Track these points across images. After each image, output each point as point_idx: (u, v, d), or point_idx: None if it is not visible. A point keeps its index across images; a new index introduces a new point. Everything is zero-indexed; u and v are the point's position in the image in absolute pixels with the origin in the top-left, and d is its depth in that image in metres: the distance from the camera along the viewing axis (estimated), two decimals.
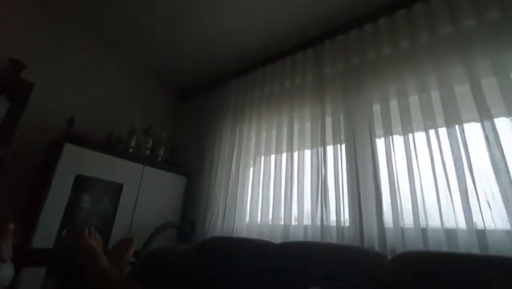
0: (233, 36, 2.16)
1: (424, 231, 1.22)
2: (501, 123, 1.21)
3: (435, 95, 1.39)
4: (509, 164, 1.13)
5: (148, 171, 2.09)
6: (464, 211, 1.15)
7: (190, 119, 2.77)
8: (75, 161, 1.70)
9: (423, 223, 1.24)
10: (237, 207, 1.93)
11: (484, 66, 1.29)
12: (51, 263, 1.51)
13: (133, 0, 1.94)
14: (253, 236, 1.75)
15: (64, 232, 1.60)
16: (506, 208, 1.09)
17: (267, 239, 1.65)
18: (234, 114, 2.29)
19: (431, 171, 1.28)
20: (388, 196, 1.36)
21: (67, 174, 1.65)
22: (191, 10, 1.98)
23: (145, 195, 2.03)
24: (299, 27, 2.00)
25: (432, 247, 1.18)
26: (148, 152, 2.20)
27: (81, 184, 1.72)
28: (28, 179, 1.77)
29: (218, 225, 1.97)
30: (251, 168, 2.02)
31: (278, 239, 1.61)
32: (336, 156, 1.60)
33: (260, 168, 1.94)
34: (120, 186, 1.91)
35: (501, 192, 1.11)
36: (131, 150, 2.09)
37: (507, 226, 1.08)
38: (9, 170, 1.61)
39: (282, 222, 1.67)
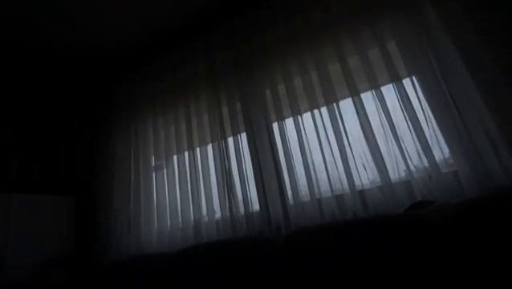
0: (109, 25, 1.87)
1: (319, 202, 1.33)
2: (366, 96, 1.40)
3: (314, 76, 1.50)
4: (374, 129, 1.31)
5: (18, 199, 1.66)
6: (346, 176, 1.30)
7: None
8: None
9: (318, 194, 1.34)
10: (144, 216, 1.74)
11: (347, 46, 1.45)
12: None
13: None
14: (165, 243, 1.63)
15: None
16: (376, 167, 1.27)
17: (179, 244, 1.57)
18: (126, 114, 2.03)
19: (318, 145, 1.38)
20: (287, 175, 1.43)
21: None
22: None
23: (18, 230, 1.61)
24: (185, 14, 1.86)
25: (327, 215, 1.29)
26: (14, 175, 1.75)
27: None
28: None
29: (123, 241, 1.73)
30: (153, 173, 1.83)
31: (190, 240, 1.54)
32: (237, 146, 1.60)
33: (163, 169, 1.79)
34: None
35: (371, 154, 1.29)
36: None
37: (379, 183, 1.26)
38: None
39: (193, 223, 1.58)
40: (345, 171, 1.31)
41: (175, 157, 1.77)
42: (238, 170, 1.54)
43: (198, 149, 1.70)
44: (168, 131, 1.84)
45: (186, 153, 1.72)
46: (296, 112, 1.49)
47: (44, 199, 1.79)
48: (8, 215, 1.59)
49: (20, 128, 2.10)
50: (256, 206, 1.49)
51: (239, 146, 1.59)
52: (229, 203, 1.50)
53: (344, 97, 1.45)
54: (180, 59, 1.92)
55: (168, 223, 1.67)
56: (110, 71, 2.21)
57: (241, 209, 1.48)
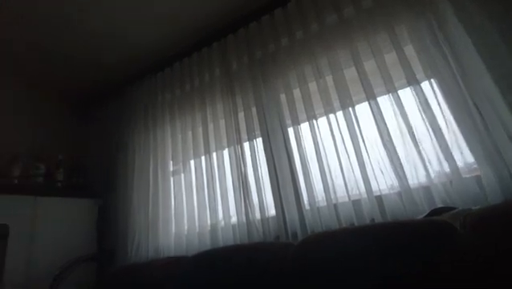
0: (129, 35, 1.95)
1: (335, 207, 1.32)
2: (383, 100, 1.38)
3: (329, 80, 1.50)
4: (391, 133, 1.29)
5: (44, 202, 1.74)
6: (363, 181, 1.28)
7: (95, 133, 2.44)
8: None
9: (334, 200, 1.33)
10: (162, 220, 1.79)
11: (363, 49, 1.44)
12: None
13: None
14: (182, 246, 1.66)
15: None
16: (394, 172, 1.25)
17: (196, 248, 1.59)
18: (146, 120, 2.09)
19: (334, 150, 1.38)
20: (303, 180, 1.43)
21: None
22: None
23: (45, 231, 1.70)
24: (201, 22, 1.91)
25: (343, 221, 1.28)
26: (41, 180, 1.84)
27: None
28: None
29: (142, 244, 1.78)
30: (171, 177, 1.88)
31: (207, 244, 1.57)
32: (253, 151, 1.61)
33: (180, 174, 1.83)
34: (5, 227, 1.54)
35: (389, 158, 1.27)
36: (16, 181, 1.71)
37: (397, 189, 1.24)
38: None
39: (209, 227, 1.60)
40: (362, 176, 1.29)
41: (192, 162, 1.80)
42: (254, 175, 1.56)
43: (215, 154, 1.72)
44: (186, 136, 1.88)
45: (203, 158, 1.75)
46: (311, 117, 1.49)
47: (68, 202, 1.87)
48: (35, 216, 1.68)
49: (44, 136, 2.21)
50: (272, 211, 1.50)
51: (255, 151, 1.61)
52: (245, 208, 1.52)
53: (360, 101, 1.44)
54: (197, 66, 1.97)
55: (186, 227, 1.70)
56: (130, 79, 2.29)
57: (257, 214, 1.49)
